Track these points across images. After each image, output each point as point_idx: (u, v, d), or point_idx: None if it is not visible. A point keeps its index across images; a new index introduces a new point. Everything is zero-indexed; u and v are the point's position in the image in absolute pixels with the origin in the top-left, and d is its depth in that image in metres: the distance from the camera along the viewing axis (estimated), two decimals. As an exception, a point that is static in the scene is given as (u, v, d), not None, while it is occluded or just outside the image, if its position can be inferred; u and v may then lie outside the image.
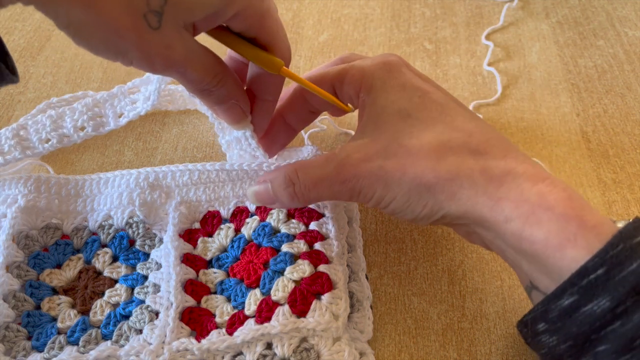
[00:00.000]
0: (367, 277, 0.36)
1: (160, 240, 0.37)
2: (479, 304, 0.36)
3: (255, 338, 0.31)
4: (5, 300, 0.34)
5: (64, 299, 0.35)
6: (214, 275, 0.36)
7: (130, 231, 0.38)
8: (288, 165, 0.34)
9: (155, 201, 0.38)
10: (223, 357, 0.32)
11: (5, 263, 0.35)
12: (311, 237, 0.36)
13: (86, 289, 0.35)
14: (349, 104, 0.37)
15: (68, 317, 0.34)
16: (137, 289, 0.35)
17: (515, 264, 0.30)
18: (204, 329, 0.33)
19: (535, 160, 0.31)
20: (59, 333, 0.33)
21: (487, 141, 0.30)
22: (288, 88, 0.39)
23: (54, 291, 0.36)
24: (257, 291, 0.34)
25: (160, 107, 0.48)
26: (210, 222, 0.38)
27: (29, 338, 0.33)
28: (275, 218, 0.37)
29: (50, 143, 0.40)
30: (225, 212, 0.39)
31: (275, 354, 0.31)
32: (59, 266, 0.37)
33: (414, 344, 0.34)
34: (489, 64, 0.52)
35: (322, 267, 0.34)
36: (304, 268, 0.34)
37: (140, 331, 0.33)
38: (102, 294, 0.35)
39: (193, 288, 0.35)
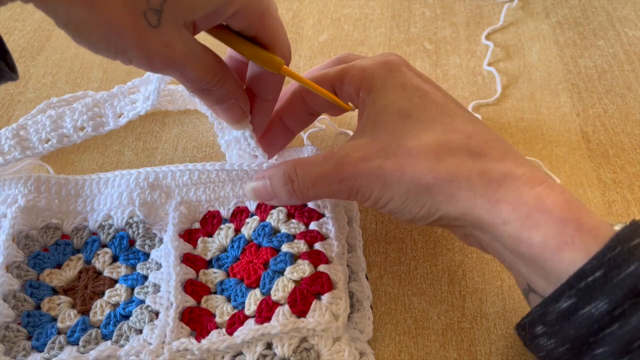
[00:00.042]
0: (367, 277, 0.36)
1: (160, 240, 0.37)
2: (479, 304, 0.36)
3: (255, 338, 0.31)
4: (5, 300, 0.34)
5: (64, 299, 0.35)
6: (214, 275, 0.36)
7: (130, 231, 0.38)
8: (287, 162, 0.33)
9: (155, 201, 0.38)
10: (223, 357, 0.32)
11: (5, 263, 0.35)
12: (311, 237, 0.36)
13: (86, 289, 0.35)
14: (349, 103, 0.37)
15: (68, 317, 0.34)
16: (137, 289, 0.35)
17: (513, 267, 0.30)
18: (204, 329, 0.33)
19: (534, 162, 0.31)
20: (59, 333, 0.33)
21: (485, 143, 0.30)
22: (286, 89, 0.39)
23: (54, 291, 0.36)
24: (257, 291, 0.34)
25: (160, 107, 0.48)
26: (210, 222, 0.38)
27: (29, 338, 0.33)
28: (275, 218, 0.37)
29: (50, 143, 0.40)
30: (225, 212, 0.39)
31: (275, 354, 0.31)
32: (59, 266, 0.37)
33: (414, 344, 0.34)
34: (489, 64, 0.52)
35: (322, 267, 0.34)
36: (304, 268, 0.34)
37: (140, 331, 0.33)
38: (102, 294, 0.35)
39: (193, 288, 0.35)
